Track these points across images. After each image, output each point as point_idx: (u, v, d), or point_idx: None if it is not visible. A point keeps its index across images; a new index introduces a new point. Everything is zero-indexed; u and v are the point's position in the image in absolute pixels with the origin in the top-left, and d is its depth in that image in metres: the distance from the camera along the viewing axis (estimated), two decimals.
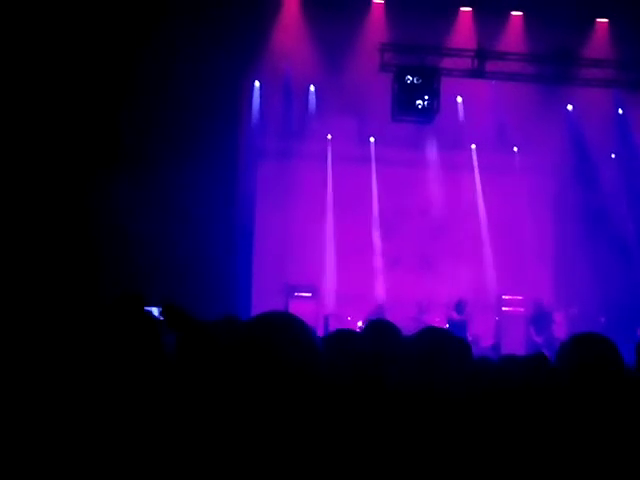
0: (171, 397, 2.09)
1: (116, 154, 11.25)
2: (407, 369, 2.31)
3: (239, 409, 1.62)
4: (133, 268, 10.40)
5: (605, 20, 12.81)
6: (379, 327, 3.32)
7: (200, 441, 1.67)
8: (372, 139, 14.43)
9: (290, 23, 12.64)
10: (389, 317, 11.77)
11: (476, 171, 14.56)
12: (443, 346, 2.36)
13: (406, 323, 9.32)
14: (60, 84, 10.81)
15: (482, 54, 12.76)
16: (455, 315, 12.22)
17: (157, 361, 2.39)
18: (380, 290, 13.77)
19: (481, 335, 12.79)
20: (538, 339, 12.13)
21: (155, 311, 4.11)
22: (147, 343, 2.46)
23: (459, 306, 12.28)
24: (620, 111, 13.92)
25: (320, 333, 10.42)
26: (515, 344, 11.80)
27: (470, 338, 11.48)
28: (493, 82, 13.38)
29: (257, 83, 13.60)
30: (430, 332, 2.57)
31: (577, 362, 2.32)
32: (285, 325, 1.74)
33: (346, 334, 3.12)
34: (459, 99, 14.09)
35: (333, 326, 11.56)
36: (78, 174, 11.03)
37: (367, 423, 2.01)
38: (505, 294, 13.24)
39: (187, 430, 1.77)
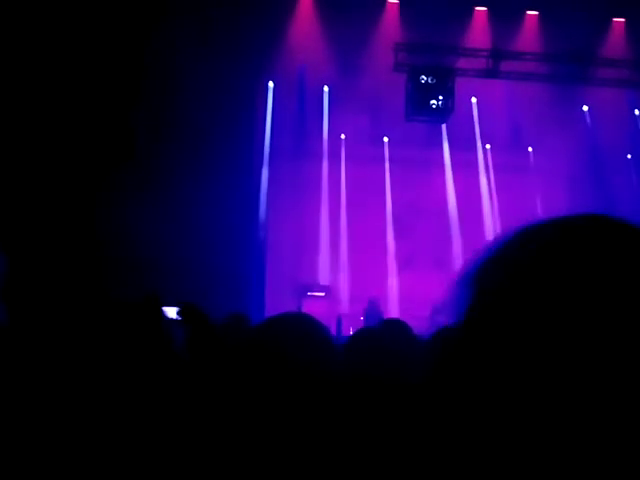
0: (184, 397, 2.10)
1: (129, 154, 11.30)
2: (422, 369, 2.29)
3: (253, 410, 1.62)
4: (147, 267, 10.44)
5: (622, 19, 12.71)
6: (393, 326, 3.31)
7: (213, 440, 1.67)
8: (386, 139, 14.41)
9: (304, 23, 12.66)
10: (384, 311, 11.83)
11: (490, 171, 14.50)
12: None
13: (419, 323, 9.29)
14: (74, 86, 10.86)
15: (497, 54, 12.71)
16: None
17: (171, 361, 2.40)
18: (393, 290, 13.75)
19: None
20: None
21: (171, 311, 4.13)
22: (162, 343, 2.47)
23: None
24: (637, 112, 13.82)
25: (333, 333, 10.41)
26: None
27: None
28: (508, 82, 13.31)
29: (271, 83, 13.61)
30: (446, 333, 2.54)
31: None
32: (300, 325, 1.75)
33: (368, 333, 3.11)
34: (473, 99, 14.03)
35: (346, 326, 11.56)
36: (90, 175, 11.09)
37: (385, 422, 2.00)
38: None
39: (199, 430, 1.78)
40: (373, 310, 11.63)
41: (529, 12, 12.78)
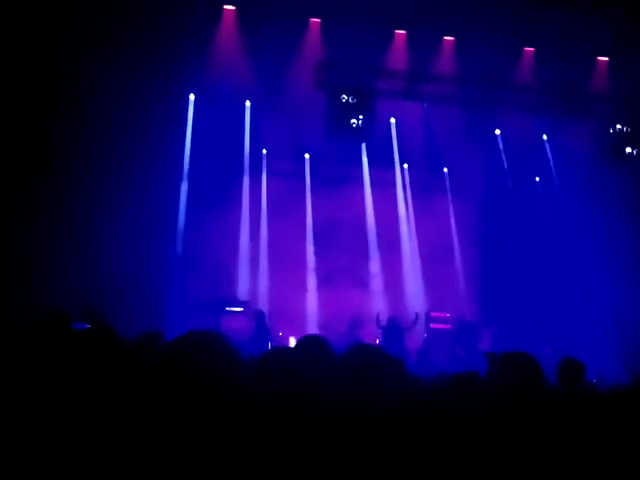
0: (93, 413, 2.05)
1: (42, 166, 10.93)
2: (337, 387, 2.29)
3: (159, 430, 1.60)
4: (60, 283, 10.08)
5: (531, 49, 13.33)
6: (310, 343, 3.34)
7: (122, 459, 1.65)
8: (307, 155, 14.54)
9: (227, 38, 12.63)
10: (273, 324, 11.95)
11: (407, 190, 14.85)
12: (373, 363, 2.34)
13: (338, 339, 9.39)
14: None
15: (415, 76, 13.09)
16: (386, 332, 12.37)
17: (84, 377, 2.35)
18: (313, 305, 13.84)
19: (410, 351, 13.00)
20: (463, 353, 12.42)
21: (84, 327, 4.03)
22: (74, 360, 2.42)
23: (391, 322, 12.46)
24: (545, 137, 14.51)
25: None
26: (442, 359, 12.05)
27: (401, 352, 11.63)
28: (425, 104, 13.74)
29: (192, 96, 13.51)
30: (360, 349, 2.51)
31: (508, 381, 2.41)
32: (209, 346, 1.73)
33: (280, 352, 3.10)
34: (392, 120, 14.37)
35: (271, 341, 11.56)
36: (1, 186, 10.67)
37: (290, 446, 2.00)
38: (433, 311, 13.52)
39: (110, 450, 1.74)
40: (260, 323, 11.70)
41: (446, 37, 13.20)
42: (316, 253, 14.36)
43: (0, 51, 10.60)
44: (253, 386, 1.88)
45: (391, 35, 13.10)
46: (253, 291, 13.56)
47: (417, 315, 12.60)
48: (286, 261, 13.85)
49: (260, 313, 12.03)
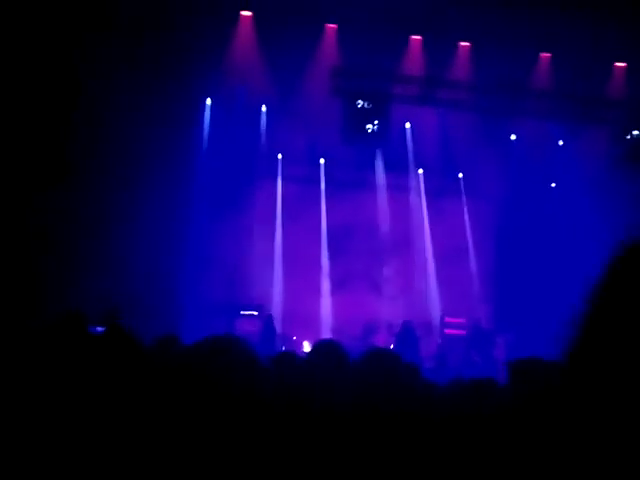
0: (110, 418, 2.06)
1: (62, 173, 11.05)
2: (352, 392, 2.29)
3: (176, 436, 1.61)
4: (77, 286, 10.18)
5: (548, 54, 13.29)
6: (325, 349, 3.36)
7: (141, 465, 1.66)
8: (322, 160, 14.57)
9: (244, 44, 12.71)
10: (287, 328, 11.96)
11: (422, 194, 14.84)
12: (387, 369, 2.35)
13: (352, 343, 9.40)
14: (3, 104, 10.59)
15: (430, 81, 13.09)
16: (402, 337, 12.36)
17: (98, 380, 2.36)
18: (327, 310, 13.86)
19: (424, 356, 12.97)
20: (478, 360, 12.37)
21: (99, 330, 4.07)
22: (89, 362, 2.43)
23: (405, 327, 12.45)
24: (560, 142, 14.44)
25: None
26: (457, 365, 12.01)
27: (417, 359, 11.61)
28: (441, 109, 13.73)
29: (209, 100, 13.60)
30: (375, 355, 2.52)
31: (522, 387, 2.43)
32: (227, 351, 1.74)
33: (295, 357, 3.10)
34: (407, 125, 14.38)
35: (279, 345, 11.58)
36: (20, 190, 10.79)
37: (307, 449, 2.00)
38: (448, 316, 13.48)
39: (128, 454, 1.75)
40: (268, 326, 11.73)
41: (462, 43, 13.19)
42: (330, 257, 14.38)
43: (22, 65, 10.74)
44: (270, 391, 1.88)
45: (406, 41, 13.12)
46: (267, 295, 13.60)
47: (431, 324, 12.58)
48: (300, 265, 13.88)
49: (268, 317, 12.09)
